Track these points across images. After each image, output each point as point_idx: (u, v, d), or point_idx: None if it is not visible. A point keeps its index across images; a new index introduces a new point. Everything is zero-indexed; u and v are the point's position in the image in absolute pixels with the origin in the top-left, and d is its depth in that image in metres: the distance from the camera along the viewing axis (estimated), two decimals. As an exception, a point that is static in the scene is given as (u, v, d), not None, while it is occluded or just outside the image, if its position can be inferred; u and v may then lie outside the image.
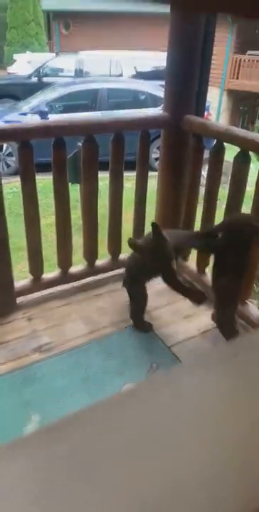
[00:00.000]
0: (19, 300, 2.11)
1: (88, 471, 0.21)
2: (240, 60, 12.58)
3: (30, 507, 0.20)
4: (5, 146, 6.50)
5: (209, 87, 2.32)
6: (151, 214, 2.48)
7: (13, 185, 4.96)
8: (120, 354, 1.84)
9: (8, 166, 6.59)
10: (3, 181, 1.83)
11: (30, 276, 2.14)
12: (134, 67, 9.90)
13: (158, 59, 9.21)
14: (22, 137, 1.86)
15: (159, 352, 1.87)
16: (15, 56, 13.52)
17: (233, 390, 0.26)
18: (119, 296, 2.23)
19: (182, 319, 2.07)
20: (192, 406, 0.24)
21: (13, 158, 6.44)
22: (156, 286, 2.33)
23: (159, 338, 1.95)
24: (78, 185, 2.37)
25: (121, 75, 9.80)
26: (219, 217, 2.12)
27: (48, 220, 3.55)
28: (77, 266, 2.29)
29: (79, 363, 1.79)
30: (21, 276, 2.88)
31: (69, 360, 1.80)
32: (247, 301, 2.06)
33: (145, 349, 1.88)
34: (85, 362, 1.79)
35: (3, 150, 6.54)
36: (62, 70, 10.37)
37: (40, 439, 0.24)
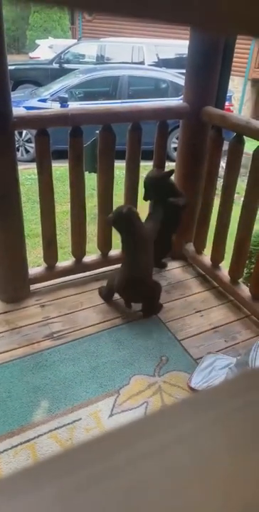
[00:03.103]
0: (33, 287, 2.13)
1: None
2: (266, 48, 12.14)
3: None
4: (24, 132, 6.52)
5: (232, 76, 2.26)
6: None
7: (32, 172, 4.98)
8: (130, 345, 1.85)
9: (27, 151, 6.62)
10: (22, 167, 1.84)
11: (45, 265, 2.16)
12: (157, 55, 9.72)
13: (181, 46, 9.01)
14: (39, 125, 1.86)
15: (169, 345, 1.86)
16: (37, 41, 13.50)
17: (240, 437, 0.22)
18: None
19: (193, 313, 2.06)
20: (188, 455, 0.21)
21: (33, 145, 6.46)
22: (169, 279, 2.33)
23: (169, 331, 1.94)
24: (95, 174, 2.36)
25: (143, 63, 9.64)
26: (236, 211, 2.09)
27: (64, 207, 3.57)
28: (91, 255, 2.30)
29: (89, 351, 1.81)
30: (37, 262, 2.92)
31: (79, 348, 1.82)
32: (239, 280, 2.13)
33: (155, 341, 1.88)
34: (95, 351, 1.81)
35: (23, 136, 6.56)
36: (83, 56, 10.29)
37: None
